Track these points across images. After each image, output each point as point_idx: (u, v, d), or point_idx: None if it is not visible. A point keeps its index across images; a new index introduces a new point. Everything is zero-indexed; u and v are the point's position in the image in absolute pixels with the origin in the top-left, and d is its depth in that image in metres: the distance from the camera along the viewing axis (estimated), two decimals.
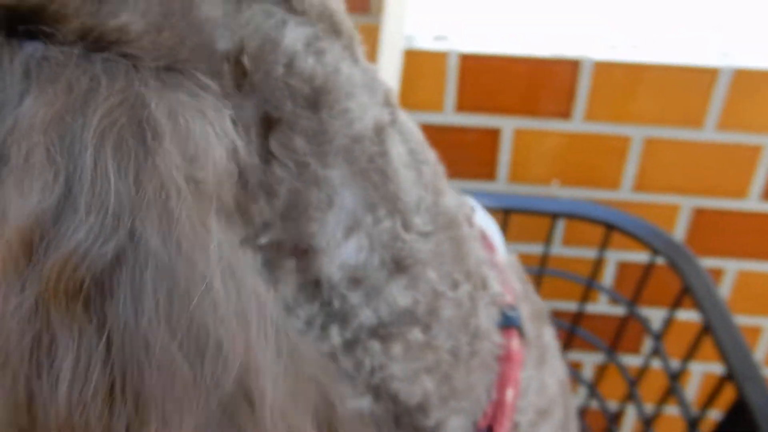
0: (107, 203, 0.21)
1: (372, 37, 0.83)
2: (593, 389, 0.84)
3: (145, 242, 0.22)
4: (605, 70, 0.76)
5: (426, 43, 0.78)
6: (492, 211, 0.74)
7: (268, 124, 0.28)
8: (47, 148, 0.21)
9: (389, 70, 0.73)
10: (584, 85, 0.77)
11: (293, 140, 0.28)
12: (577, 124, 0.80)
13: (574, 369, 0.92)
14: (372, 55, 0.76)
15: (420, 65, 0.78)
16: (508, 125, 0.81)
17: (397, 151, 0.33)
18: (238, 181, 0.27)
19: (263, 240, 0.30)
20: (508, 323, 0.40)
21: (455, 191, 0.41)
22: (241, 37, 0.26)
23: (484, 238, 0.43)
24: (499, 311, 0.40)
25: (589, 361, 0.94)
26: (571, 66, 0.77)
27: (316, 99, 0.28)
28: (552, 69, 0.77)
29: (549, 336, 0.48)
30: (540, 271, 0.79)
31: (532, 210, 0.75)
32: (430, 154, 0.37)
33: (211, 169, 0.24)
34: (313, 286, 0.32)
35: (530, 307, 0.45)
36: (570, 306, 0.84)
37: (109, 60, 0.23)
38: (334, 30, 0.30)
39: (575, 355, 0.93)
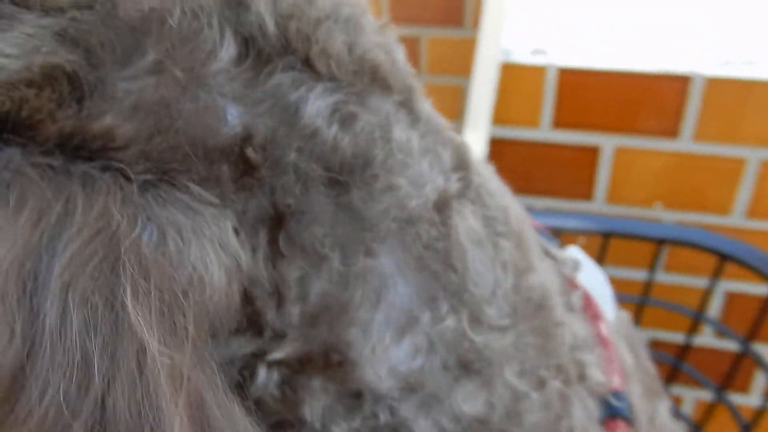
0: (71, 371, 0.18)
1: (467, 51, 0.81)
2: (698, 430, 0.78)
3: (117, 419, 0.19)
4: (717, 86, 0.72)
5: (523, 56, 0.75)
6: (591, 233, 0.71)
7: (278, 219, 0.23)
8: (4, 301, 0.18)
9: (485, 85, 0.70)
10: (694, 102, 0.73)
11: (306, 234, 0.24)
12: (685, 144, 0.75)
13: (674, 404, 0.86)
14: (467, 69, 0.74)
15: (517, 79, 0.75)
16: (607, 143, 0.77)
17: (465, 227, 0.28)
18: (244, 300, 0.23)
19: (277, 355, 0.25)
20: (614, 414, 0.35)
21: (556, 247, 0.36)
22: (248, 123, 0.22)
23: (589, 305, 0.38)
24: (601, 402, 0.35)
25: (690, 396, 0.88)
26: (680, 82, 0.72)
27: (341, 179, 0.24)
28: (658, 85, 0.73)
29: (664, 413, 0.43)
30: (642, 300, 0.74)
31: (636, 234, 0.70)
32: (514, 218, 0.31)
33: (207, 297, 0.21)
34: (352, 399, 0.27)
35: (642, 383, 0.40)
36: (673, 337, 0.79)
37: (89, 174, 0.20)
38: (382, 86, 0.25)
39: (675, 389, 0.87)
